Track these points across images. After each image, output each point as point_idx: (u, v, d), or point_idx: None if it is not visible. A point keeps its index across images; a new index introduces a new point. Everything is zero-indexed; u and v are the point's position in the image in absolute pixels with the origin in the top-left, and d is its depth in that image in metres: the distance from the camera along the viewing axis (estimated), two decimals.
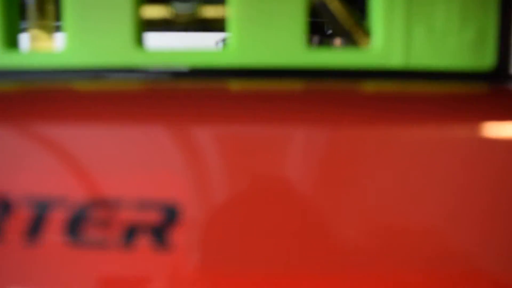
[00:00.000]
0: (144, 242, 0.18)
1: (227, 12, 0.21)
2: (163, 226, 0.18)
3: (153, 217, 0.18)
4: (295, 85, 0.21)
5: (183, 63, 0.22)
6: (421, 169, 0.18)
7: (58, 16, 0.26)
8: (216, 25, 0.23)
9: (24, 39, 0.25)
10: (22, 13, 0.24)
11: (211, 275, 0.18)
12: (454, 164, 0.18)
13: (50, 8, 0.24)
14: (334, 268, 0.18)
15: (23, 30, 0.24)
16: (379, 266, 0.18)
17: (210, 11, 0.23)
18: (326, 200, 0.18)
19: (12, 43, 0.23)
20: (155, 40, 0.23)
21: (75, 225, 0.18)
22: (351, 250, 0.18)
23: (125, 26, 0.21)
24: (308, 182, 0.18)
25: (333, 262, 0.18)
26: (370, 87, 0.21)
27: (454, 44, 0.21)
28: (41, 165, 0.18)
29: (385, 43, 0.21)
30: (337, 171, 0.18)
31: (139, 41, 0.22)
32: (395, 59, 0.21)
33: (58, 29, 0.26)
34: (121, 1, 0.21)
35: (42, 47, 0.24)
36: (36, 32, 0.24)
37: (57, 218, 0.18)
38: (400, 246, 0.18)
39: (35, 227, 0.18)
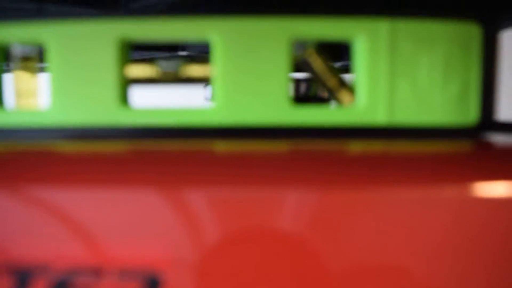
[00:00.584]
0: None
1: (212, 70, 0.21)
2: None
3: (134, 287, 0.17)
4: (280, 144, 0.21)
5: (168, 121, 0.22)
6: (407, 229, 0.18)
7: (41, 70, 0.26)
8: (201, 80, 0.23)
9: (8, 93, 0.24)
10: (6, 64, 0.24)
11: None
12: (441, 224, 0.18)
13: (33, 65, 0.24)
14: None
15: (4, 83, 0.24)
16: None
17: (194, 70, 0.23)
18: (310, 263, 0.18)
19: None
20: (139, 94, 0.23)
21: None
22: None
23: (110, 85, 0.21)
24: (294, 244, 0.18)
25: None
26: (355, 146, 0.21)
27: (438, 100, 0.21)
28: (21, 231, 0.18)
29: (369, 101, 0.21)
30: (322, 232, 0.18)
31: (124, 100, 0.22)
32: (380, 117, 0.21)
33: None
34: (106, 61, 0.21)
35: (27, 104, 0.24)
36: (20, 87, 0.24)
37: (39, 287, 0.18)
38: None
39: None
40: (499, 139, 0.22)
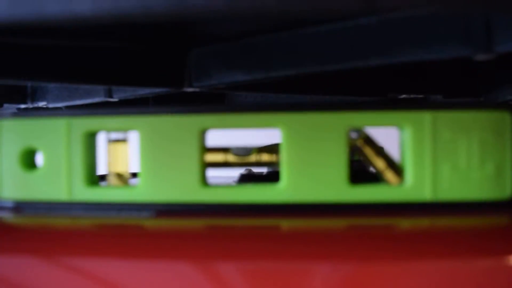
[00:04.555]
0: None
1: (280, 157, 0.25)
2: None
3: None
4: (338, 221, 0.24)
5: (241, 199, 0.25)
6: None
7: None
8: (269, 165, 0.27)
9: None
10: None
11: None
12: None
13: (124, 147, 0.29)
14: None
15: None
16: None
17: (264, 156, 0.26)
18: None
19: (92, 179, 0.27)
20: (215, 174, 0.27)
21: None
22: None
23: (192, 169, 0.25)
24: None
25: None
26: (403, 221, 0.24)
27: (476, 179, 0.25)
28: None
29: (415, 180, 0.24)
30: None
31: (203, 180, 0.25)
32: (425, 194, 0.24)
33: None
34: (189, 148, 0.25)
35: (118, 183, 0.28)
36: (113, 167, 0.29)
37: None
38: None
39: None
40: None
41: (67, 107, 0.42)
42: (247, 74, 0.33)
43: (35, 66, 0.33)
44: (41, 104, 0.43)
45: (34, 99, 0.45)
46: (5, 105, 0.46)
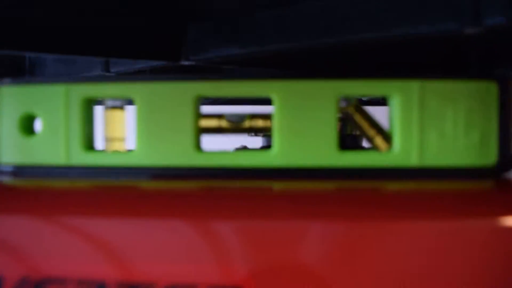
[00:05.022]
0: None
1: (272, 123, 0.26)
2: None
3: None
4: (326, 184, 0.25)
5: (234, 163, 0.26)
6: (434, 261, 0.21)
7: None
8: (262, 130, 0.28)
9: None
10: None
11: None
12: (469, 254, 0.22)
13: (121, 114, 0.29)
14: None
15: None
16: None
17: (257, 122, 0.27)
18: None
19: (89, 145, 0.28)
20: (208, 141, 0.28)
21: None
22: None
23: (187, 134, 0.26)
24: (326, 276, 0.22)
25: None
26: (391, 185, 0.25)
27: (461, 147, 0.25)
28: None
29: (403, 147, 0.25)
30: (358, 263, 0.22)
31: (198, 145, 0.26)
32: (412, 160, 0.25)
33: None
34: (184, 114, 0.26)
35: (115, 147, 0.29)
36: (109, 132, 0.29)
37: None
38: None
39: None
40: None
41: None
42: (242, 48, 0.34)
43: (35, 38, 0.34)
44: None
45: (32, 73, 0.46)
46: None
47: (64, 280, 0.22)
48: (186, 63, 0.37)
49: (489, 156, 0.26)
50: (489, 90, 0.26)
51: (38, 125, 0.28)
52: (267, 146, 0.30)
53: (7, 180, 0.28)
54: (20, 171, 0.28)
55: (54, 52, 0.35)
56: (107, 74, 0.43)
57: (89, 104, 0.28)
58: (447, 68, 0.36)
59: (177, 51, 0.37)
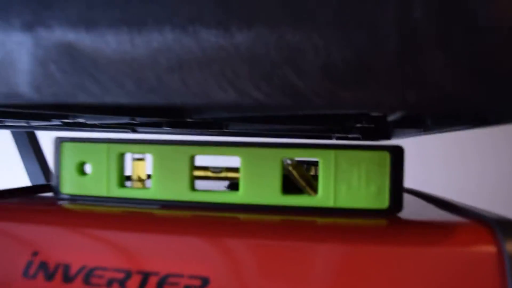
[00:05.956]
0: None
1: (239, 174, 0.39)
2: None
3: None
4: (275, 216, 0.39)
5: (213, 200, 0.40)
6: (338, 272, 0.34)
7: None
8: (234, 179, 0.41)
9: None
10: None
11: None
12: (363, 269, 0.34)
13: (143, 163, 0.43)
14: None
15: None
16: None
17: (229, 173, 0.41)
18: None
19: (122, 183, 0.42)
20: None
21: None
22: None
23: (185, 179, 0.40)
24: None
25: None
26: (316, 219, 0.38)
27: (363, 194, 0.38)
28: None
29: (324, 193, 0.39)
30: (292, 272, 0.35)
31: (192, 187, 0.40)
32: (329, 203, 0.38)
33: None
34: (183, 165, 0.40)
35: (138, 185, 0.43)
36: (135, 175, 0.44)
37: None
38: None
39: None
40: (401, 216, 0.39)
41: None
42: (227, 115, 0.48)
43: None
44: (81, 120, 0.58)
45: (75, 116, 0.59)
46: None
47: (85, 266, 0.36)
48: (190, 120, 0.51)
49: (383, 202, 0.39)
50: (383, 157, 0.39)
51: (88, 168, 0.43)
52: (234, 184, 0.44)
53: (66, 204, 0.43)
54: (74, 199, 0.43)
55: (91, 113, 0.49)
56: (133, 121, 0.56)
57: (122, 156, 0.42)
58: (369, 135, 0.50)
59: (183, 113, 0.51)
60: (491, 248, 0.33)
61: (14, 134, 1.03)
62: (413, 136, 0.60)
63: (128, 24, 0.29)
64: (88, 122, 0.57)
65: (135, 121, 0.56)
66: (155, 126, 0.61)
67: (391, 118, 0.42)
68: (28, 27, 0.30)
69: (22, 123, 0.64)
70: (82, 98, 0.30)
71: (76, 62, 0.30)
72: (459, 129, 0.47)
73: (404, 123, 0.47)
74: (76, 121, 0.59)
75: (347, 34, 0.26)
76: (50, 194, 0.50)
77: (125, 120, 0.56)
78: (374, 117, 0.46)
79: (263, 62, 0.28)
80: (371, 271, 0.34)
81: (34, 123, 0.64)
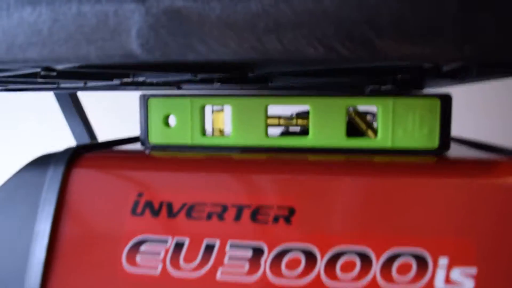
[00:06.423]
0: None
1: (309, 120, 0.46)
2: None
3: None
4: (339, 157, 0.45)
5: (286, 143, 0.46)
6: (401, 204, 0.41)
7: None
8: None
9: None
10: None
11: None
12: (420, 201, 0.41)
13: (222, 114, 0.50)
14: None
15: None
16: None
17: (300, 121, 0.47)
18: None
19: (204, 132, 0.49)
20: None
21: None
22: None
23: (260, 126, 0.46)
24: None
25: None
26: (377, 158, 0.45)
27: (417, 136, 0.45)
28: None
29: (382, 136, 0.45)
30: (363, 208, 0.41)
31: (266, 133, 0.47)
32: (387, 144, 0.45)
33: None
34: (260, 115, 0.46)
35: (218, 134, 0.49)
36: (215, 126, 0.50)
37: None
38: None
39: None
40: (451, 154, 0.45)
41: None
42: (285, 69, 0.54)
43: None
44: (141, 79, 0.63)
45: (135, 74, 0.64)
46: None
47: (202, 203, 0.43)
48: (251, 74, 0.57)
49: (434, 142, 0.45)
50: (434, 103, 0.45)
51: (172, 121, 0.49)
52: (304, 130, 0.50)
53: (154, 152, 0.50)
54: (162, 148, 0.49)
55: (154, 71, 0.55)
56: (194, 78, 0.62)
57: (203, 108, 0.48)
58: (415, 85, 0.55)
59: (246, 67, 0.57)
60: None
61: (59, 97, 1.09)
62: (443, 86, 0.66)
63: None
64: (148, 80, 0.62)
65: (196, 77, 0.62)
66: (205, 82, 0.67)
67: (445, 68, 0.48)
68: None
69: (80, 83, 0.69)
70: (191, 56, 0.36)
71: (184, 26, 0.36)
72: (497, 78, 0.52)
73: (439, 74, 0.53)
74: (134, 80, 0.64)
75: None
76: (131, 145, 0.56)
77: (187, 77, 0.61)
78: (412, 68, 0.51)
79: (346, 22, 0.33)
80: (424, 201, 0.40)
81: (91, 84, 0.69)
